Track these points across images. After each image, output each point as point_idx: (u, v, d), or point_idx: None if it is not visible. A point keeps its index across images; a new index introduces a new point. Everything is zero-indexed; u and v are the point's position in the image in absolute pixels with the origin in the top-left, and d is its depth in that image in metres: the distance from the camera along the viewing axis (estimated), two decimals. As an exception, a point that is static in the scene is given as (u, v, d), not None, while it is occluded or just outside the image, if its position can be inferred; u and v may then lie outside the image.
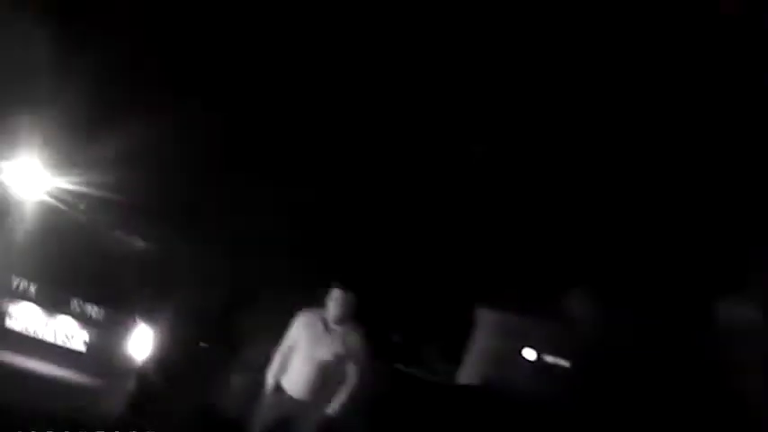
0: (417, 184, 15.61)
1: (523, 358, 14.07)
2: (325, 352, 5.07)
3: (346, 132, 15.90)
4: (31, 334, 4.75)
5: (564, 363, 13.70)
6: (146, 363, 5.53)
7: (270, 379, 5.16)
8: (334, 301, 5.14)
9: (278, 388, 5.16)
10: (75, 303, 5.01)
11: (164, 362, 6.06)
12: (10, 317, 4.64)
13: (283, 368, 5.16)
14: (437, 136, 16.06)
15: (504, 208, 14.99)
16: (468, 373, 14.19)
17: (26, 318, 4.73)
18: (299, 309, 5.60)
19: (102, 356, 5.03)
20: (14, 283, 4.74)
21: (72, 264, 5.16)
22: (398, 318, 14.98)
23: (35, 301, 4.76)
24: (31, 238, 5.07)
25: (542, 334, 13.89)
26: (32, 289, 4.86)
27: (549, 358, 13.89)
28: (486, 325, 14.64)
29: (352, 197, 15.54)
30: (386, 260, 15.65)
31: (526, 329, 14.03)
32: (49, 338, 4.83)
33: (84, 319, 5.03)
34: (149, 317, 5.67)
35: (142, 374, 5.55)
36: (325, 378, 5.07)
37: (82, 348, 4.97)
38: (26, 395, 4.68)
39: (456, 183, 15.47)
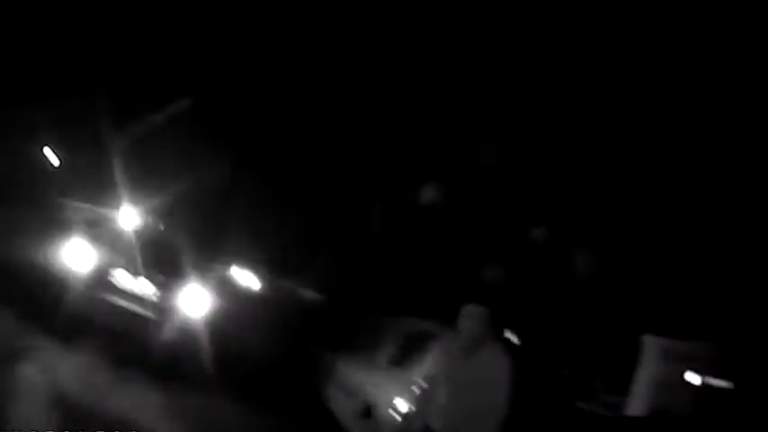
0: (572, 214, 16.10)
1: (688, 383, 13.54)
2: (468, 380, 4.41)
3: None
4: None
5: (727, 385, 12.87)
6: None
7: (416, 421, 4.63)
8: (469, 318, 4.54)
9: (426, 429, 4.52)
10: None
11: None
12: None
13: (428, 405, 4.56)
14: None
15: (660, 231, 14.77)
16: (635, 404, 14.04)
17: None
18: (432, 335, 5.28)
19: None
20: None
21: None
22: (563, 350, 15.42)
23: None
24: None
25: (706, 356, 13.30)
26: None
27: (713, 381, 13.15)
28: (650, 352, 14.37)
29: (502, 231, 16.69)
30: (547, 294, 16.29)
31: (690, 353, 13.55)
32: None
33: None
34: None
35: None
36: (475, 409, 4.35)
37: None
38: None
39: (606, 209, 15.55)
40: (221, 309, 10.42)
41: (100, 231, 9.95)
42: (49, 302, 8.74)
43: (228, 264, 16.72)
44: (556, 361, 15.06)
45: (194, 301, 9.63)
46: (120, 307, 8.98)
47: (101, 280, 9.17)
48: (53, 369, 7.52)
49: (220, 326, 10.12)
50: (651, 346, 14.52)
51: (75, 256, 9.26)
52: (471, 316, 4.55)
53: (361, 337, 10.56)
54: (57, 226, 10.18)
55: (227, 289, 13.96)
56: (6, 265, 9.43)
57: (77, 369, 7.89)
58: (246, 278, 16.64)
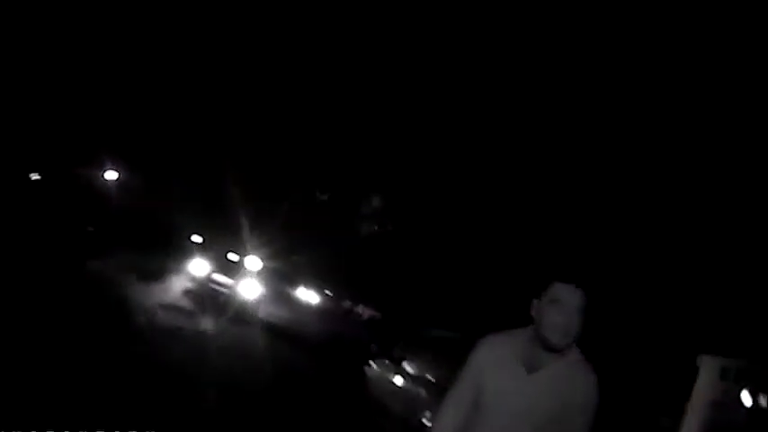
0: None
1: (743, 403, 13.29)
2: (536, 402, 2.86)
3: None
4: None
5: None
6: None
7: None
8: (557, 309, 2.83)
9: None
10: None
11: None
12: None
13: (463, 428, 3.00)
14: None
15: (714, 249, 14.52)
16: (689, 425, 13.86)
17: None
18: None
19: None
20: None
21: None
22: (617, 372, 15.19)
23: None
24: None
25: (762, 375, 13.04)
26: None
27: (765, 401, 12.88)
28: (708, 371, 14.14)
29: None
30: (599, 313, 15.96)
31: (747, 372, 13.30)
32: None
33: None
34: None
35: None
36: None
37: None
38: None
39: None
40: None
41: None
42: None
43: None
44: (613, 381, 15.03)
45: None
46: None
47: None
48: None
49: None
50: (709, 365, 14.30)
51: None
52: (567, 301, 2.84)
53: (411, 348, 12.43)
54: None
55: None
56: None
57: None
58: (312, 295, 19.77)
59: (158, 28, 19.03)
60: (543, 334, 2.91)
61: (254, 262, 18.51)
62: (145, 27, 19.03)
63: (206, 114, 20.40)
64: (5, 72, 19.34)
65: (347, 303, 20.31)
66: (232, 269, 18.26)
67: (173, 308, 14.91)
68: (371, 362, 13.33)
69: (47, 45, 19.19)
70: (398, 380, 11.97)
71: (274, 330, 16.81)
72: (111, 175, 20.27)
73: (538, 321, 2.93)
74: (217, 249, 18.88)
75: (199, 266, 18.20)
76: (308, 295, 19.55)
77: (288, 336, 16.92)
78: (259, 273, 18.51)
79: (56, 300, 10.77)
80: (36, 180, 20.25)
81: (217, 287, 17.77)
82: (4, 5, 17.80)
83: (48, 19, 18.47)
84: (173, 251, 19.27)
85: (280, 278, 19.04)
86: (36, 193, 19.76)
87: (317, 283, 19.77)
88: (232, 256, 18.87)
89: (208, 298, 17.09)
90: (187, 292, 17.38)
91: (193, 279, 18.16)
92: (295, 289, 19.29)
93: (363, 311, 20.01)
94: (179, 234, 19.61)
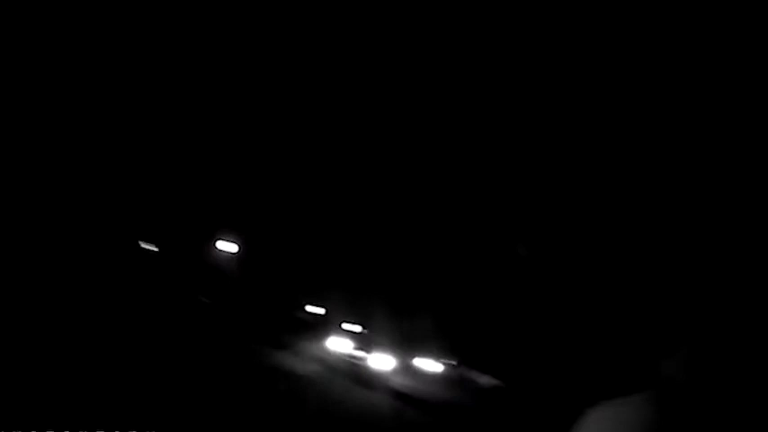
0: None
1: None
2: None
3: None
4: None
5: None
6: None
7: None
8: None
9: None
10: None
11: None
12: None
13: None
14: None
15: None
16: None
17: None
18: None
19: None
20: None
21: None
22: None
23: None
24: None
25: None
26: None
27: None
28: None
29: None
30: None
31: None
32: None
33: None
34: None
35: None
36: None
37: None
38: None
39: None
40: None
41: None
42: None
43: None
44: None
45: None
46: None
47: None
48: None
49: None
50: None
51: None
52: None
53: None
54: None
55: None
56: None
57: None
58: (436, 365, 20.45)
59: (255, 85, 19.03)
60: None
61: (383, 334, 19.05)
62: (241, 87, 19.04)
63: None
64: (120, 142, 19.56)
65: (469, 372, 19.94)
66: (361, 341, 18.88)
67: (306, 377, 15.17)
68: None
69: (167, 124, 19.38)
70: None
71: (402, 398, 16.98)
72: (226, 245, 20.13)
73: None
74: (338, 321, 18.96)
75: (335, 343, 19.35)
76: (431, 365, 20.14)
77: (413, 402, 17.14)
78: (388, 345, 18.99)
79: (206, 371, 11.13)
80: (149, 250, 20.18)
81: (349, 358, 18.63)
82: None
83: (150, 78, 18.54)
84: (294, 322, 19.12)
85: (406, 347, 19.36)
86: (148, 264, 19.67)
87: (442, 351, 19.50)
88: (356, 328, 18.93)
89: (341, 367, 17.69)
90: (319, 362, 17.55)
91: (328, 352, 18.50)
92: (420, 358, 19.79)
93: (485, 381, 19.63)
94: (296, 304, 19.41)
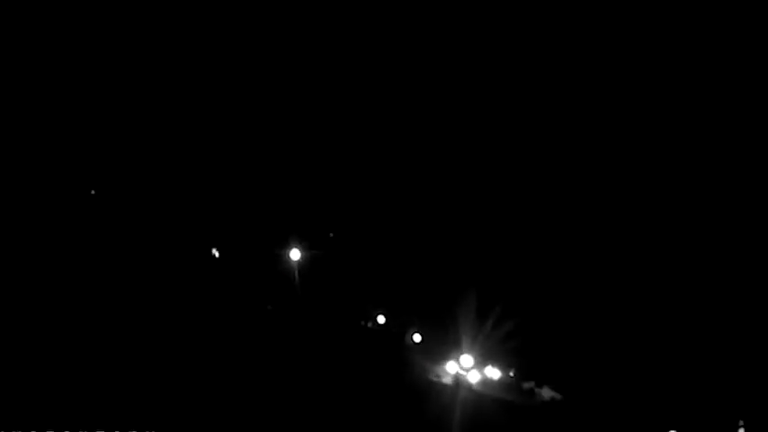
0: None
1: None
2: None
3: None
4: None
5: None
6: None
7: None
8: None
9: None
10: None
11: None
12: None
13: None
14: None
15: None
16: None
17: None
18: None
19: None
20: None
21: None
22: None
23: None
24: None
25: None
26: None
27: None
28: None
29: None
30: None
31: None
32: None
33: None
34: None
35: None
36: None
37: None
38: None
39: None
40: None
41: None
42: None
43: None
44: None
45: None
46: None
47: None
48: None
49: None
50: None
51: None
52: None
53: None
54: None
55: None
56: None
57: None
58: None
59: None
60: None
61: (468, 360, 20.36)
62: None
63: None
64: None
65: (528, 384, 20.30)
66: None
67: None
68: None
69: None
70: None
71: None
72: (295, 254, 20.39)
73: None
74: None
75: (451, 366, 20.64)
76: (493, 372, 21.47)
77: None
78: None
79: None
80: (216, 256, 20.48)
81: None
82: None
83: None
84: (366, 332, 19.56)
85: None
86: (216, 270, 19.98)
87: (506, 363, 19.89)
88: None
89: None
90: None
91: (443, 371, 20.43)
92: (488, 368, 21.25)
93: (546, 392, 20.08)
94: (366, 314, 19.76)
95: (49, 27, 16.10)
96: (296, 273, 20.04)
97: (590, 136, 16.23)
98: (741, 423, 15.94)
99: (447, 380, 19.63)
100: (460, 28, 15.43)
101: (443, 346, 19.71)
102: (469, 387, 19.08)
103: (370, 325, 20.56)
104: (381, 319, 20.36)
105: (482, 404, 18.41)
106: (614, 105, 15.40)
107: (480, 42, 15.58)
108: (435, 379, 19.55)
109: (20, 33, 15.69)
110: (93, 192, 18.89)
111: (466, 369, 19.40)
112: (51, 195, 16.88)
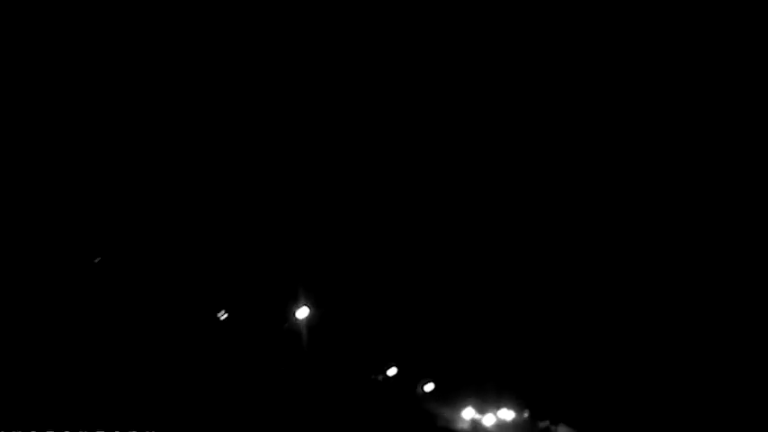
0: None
1: None
2: None
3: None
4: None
5: None
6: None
7: None
8: None
9: None
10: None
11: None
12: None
13: None
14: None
15: None
16: None
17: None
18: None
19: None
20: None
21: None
22: None
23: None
24: None
25: None
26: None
27: None
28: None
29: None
30: None
31: None
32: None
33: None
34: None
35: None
36: None
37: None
38: None
39: None
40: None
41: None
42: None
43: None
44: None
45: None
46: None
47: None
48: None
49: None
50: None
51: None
52: None
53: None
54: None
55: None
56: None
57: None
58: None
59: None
60: None
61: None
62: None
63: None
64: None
65: (544, 423, 20.40)
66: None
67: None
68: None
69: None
70: None
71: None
72: (302, 312, 20.41)
73: None
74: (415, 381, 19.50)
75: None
76: (507, 414, 21.50)
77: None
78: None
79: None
80: (224, 319, 20.45)
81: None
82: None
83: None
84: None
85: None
86: (222, 333, 19.94)
87: (517, 402, 20.18)
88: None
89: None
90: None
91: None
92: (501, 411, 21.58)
93: (557, 430, 20.22)
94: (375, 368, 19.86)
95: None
96: (304, 331, 20.06)
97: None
98: None
99: (464, 426, 19.71)
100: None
101: (456, 393, 19.81)
102: (486, 431, 19.22)
103: (380, 378, 20.56)
104: (392, 371, 20.36)
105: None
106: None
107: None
108: (452, 427, 19.60)
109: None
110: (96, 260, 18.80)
111: (481, 414, 19.57)
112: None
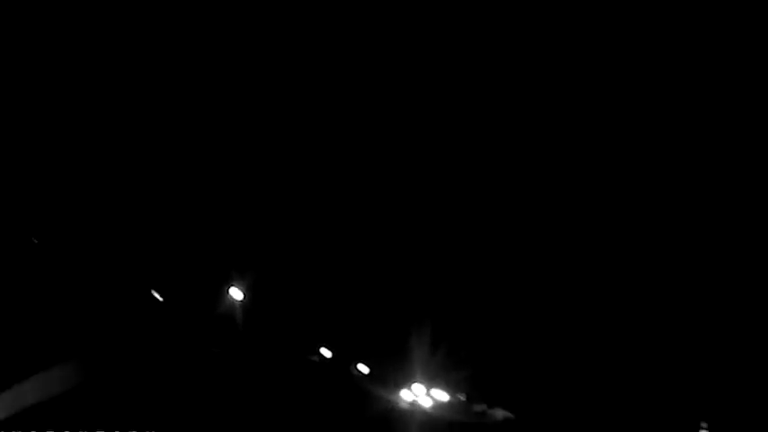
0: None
1: None
2: None
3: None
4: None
5: None
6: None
7: None
8: None
9: None
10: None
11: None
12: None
13: None
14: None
15: None
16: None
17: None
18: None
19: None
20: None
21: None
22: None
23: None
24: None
25: None
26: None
27: None
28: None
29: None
30: None
31: None
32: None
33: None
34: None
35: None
36: None
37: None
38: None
39: None
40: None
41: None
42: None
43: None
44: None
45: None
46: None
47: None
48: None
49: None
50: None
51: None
52: None
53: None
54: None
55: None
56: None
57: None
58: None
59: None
60: None
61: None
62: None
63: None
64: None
65: (480, 406, 20.47)
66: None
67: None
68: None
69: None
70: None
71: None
72: (237, 293, 19.92)
73: None
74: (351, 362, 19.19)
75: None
76: (441, 395, 21.28)
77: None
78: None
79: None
80: (157, 299, 19.78)
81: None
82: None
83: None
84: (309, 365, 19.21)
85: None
86: (156, 313, 19.29)
87: (455, 384, 20.09)
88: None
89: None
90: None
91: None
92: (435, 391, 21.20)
93: (500, 414, 20.29)
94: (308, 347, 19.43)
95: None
96: (238, 311, 19.63)
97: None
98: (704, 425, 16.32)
99: (404, 406, 19.59)
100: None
101: (392, 374, 19.68)
102: (424, 412, 19.16)
103: (317, 359, 20.27)
104: (327, 353, 20.11)
105: (440, 427, 18.51)
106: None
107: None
108: (390, 407, 19.43)
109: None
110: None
111: (418, 395, 19.49)
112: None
